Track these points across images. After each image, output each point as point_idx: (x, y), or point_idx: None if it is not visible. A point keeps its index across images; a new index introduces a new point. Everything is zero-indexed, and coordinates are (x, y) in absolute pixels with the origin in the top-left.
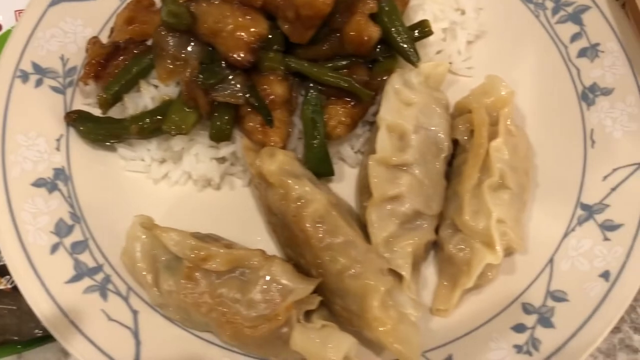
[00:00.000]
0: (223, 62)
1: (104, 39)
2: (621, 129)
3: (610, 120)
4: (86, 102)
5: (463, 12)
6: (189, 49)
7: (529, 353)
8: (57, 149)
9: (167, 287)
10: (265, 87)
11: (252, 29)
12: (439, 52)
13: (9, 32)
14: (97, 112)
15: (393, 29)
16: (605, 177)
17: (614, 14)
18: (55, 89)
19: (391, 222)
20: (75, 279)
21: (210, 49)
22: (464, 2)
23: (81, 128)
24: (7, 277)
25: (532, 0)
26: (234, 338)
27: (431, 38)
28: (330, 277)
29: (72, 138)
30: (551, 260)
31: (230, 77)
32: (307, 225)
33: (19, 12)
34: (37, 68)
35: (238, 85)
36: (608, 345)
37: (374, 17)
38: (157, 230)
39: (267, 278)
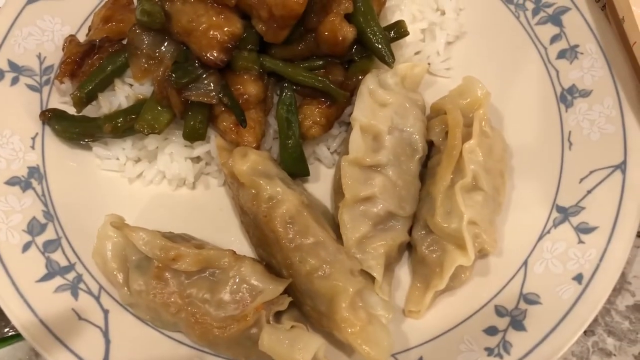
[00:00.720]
0: (197, 61)
1: (82, 37)
2: (599, 131)
3: (588, 123)
4: (63, 100)
5: (443, 13)
6: (164, 48)
7: (499, 356)
8: (32, 147)
9: (137, 287)
10: (239, 86)
11: (226, 28)
12: (417, 52)
13: None
14: (73, 110)
15: (368, 30)
16: (581, 180)
17: (594, 16)
18: (31, 87)
19: (364, 223)
20: (47, 277)
21: (184, 48)
22: (444, 3)
23: (56, 127)
24: None
25: (513, 1)
26: (203, 338)
27: (409, 39)
28: (300, 278)
29: (47, 136)
30: (525, 263)
31: (204, 76)
32: (278, 225)
33: None
34: (13, 66)
35: (211, 85)
36: (582, 349)
37: (349, 17)
38: (126, 229)
39: (237, 278)
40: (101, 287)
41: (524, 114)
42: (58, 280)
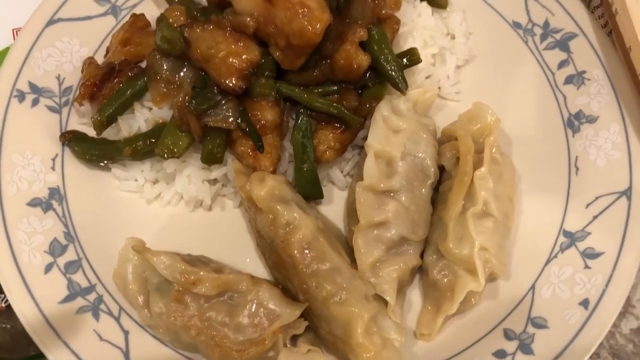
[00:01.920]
0: (215, 88)
1: (100, 58)
2: (605, 157)
3: (595, 148)
4: (81, 121)
5: (453, 37)
6: (182, 73)
7: None
8: (52, 168)
9: (157, 309)
10: (256, 112)
11: (244, 56)
12: (428, 77)
13: (6, 50)
14: (92, 131)
15: (382, 57)
16: (588, 205)
17: (600, 42)
18: (51, 109)
19: (377, 247)
20: (69, 298)
21: (203, 73)
22: (454, 27)
23: (76, 148)
24: (1, 296)
25: (522, 26)
26: None
27: (421, 64)
28: (316, 303)
29: (67, 157)
30: (533, 287)
31: (223, 102)
32: (295, 251)
33: (16, 31)
34: (34, 87)
35: (230, 111)
36: None
37: (363, 45)
38: (147, 253)
39: (255, 302)
40: (121, 308)
41: (531, 138)
42: (80, 302)
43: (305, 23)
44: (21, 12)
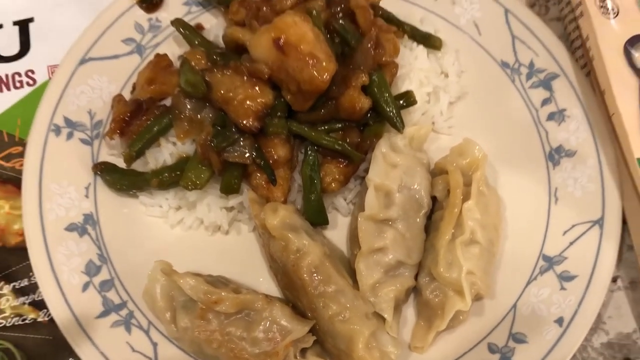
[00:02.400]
0: (234, 127)
1: (127, 93)
2: (581, 188)
3: (572, 180)
4: (111, 152)
5: (446, 76)
6: (204, 112)
7: None
8: (86, 196)
9: (183, 324)
10: (270, 149)
11: (260, 99)
12: (423, 113)
13: (43, 85)
14: (120, 161)
15: (382, 100)
16: (565, 232)
17: (579, 83)
18: (83, 141)
19: (377, 270)
20: (104, 314)
21: (222, 113)
22: (447, 67)
23: (107, 178)
24: (44, 310)
25: (509, 66)
26: None
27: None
28: (323, 321)
29: (99, 186)
30: (514, 306)
31: (240, 140)
32: (304, 274)
33: (51, 67)
34: (68, 122)
35: (246, 147)
36: None
37: (365, 89)
38: (175, 276)
39: (269, 319)
40: (150, 323)
41: (516, 169)
42: (113, 317)
43: (314, 72)
44: (55, 50)
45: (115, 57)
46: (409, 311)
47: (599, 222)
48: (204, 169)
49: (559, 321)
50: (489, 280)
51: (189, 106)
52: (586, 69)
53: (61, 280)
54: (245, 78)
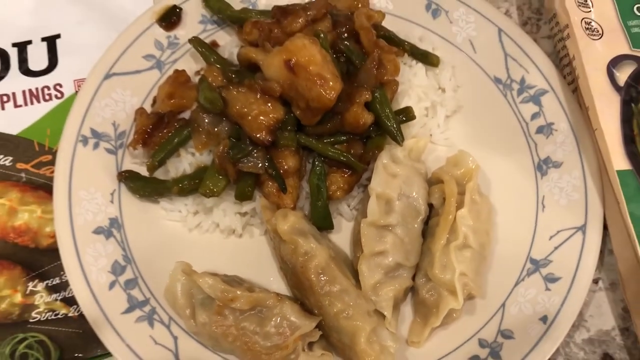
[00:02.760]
0: (248, 140)
1: (147, 106)
2: (566, 197)
3: (558, 189)
4: (134, 161)
5: (443, 91)
6: (220, 126)
7: None
8: (112, 201)
9: (201, 320)
10: (281, 160)
11: (272, 115)
12: (422, 126)
13: (70, 98)
14: (142, 169)
15: (383, 115)
16: (551, 237)
17: (566, 99)
18: (108, 151)
19: (378, 272)
20: (129, 310)
21: (237, 126)
22: (444, 82)
23: (131, 185)
24: (75, 306)
25: (502, 82)
26: None
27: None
28: (328, 317)
29: (123, 192)
30: (503, 305)
31: (254, 151)
32: (312, 275)
33: (77, 81)
34: (95, 133)
35: (259, 159)
36: None
37: (368, 105)
38: (194, 275)
39: (280, 316)
40: (171, 318)
41: (507, 178)
42: (137, 313)
43: (322, 91)
44: (80, 64)
45: (137, 72)
46: (407, 309)
47: (582, 228)
48: (220, 178)
49: (544, 319)
50: (480, 281)
51: (206, 120)
52: (573, 85)
53: (90, 279)
54: (258, 95)
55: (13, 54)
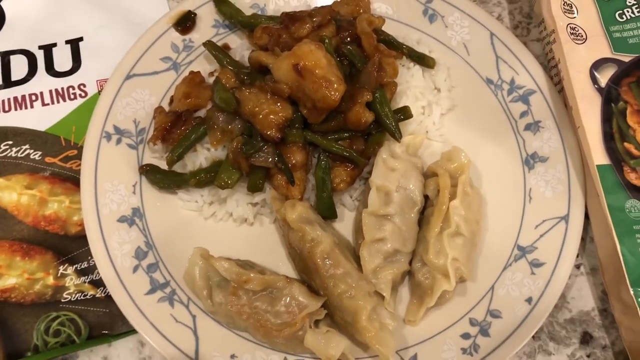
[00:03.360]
0: (259, 136)
1: (165, 104)
2: (552, 189)
3: (544, 182)
4: (153, 155)
5: (439, 90)
6: (234, 124)
7: (470, 354)
8: (134, 192)
9: (218, 300)
10: (289, 155)
11: (281, 114)
12: (418, 124)
13: (93, 97)
14: (161, 163)
15: (383, 114)
16: (536, 226)
17: (553, 99)
18: (130, 146)
19: (377, 257)
20: (151, 291)
21: (249, 124)
22: (440, 83)
23: (151, 177)
24: (102, 288)
25: (493, 82)
26: (265, 337)
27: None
28: (332, 297)
29: (144, 184)
30: (492, 287)
31: (264, 147)
32: (317, 260)
33: (99, 81)
34: (117, 130)
35: (270, 154)
36: (530, 349)
37: (369, 105)
38: (212, 259)
39: (289, 296)
40: (189, 299)
41: (497, 172)
42: (159, 294)
43: (327, 93)
44: (102, 65)
45: (155, 73)
46: (404, 291)
47: (565, 218)
48: (234, 172)
49: (529, 300)
50: (471, 266)
51: (221, 119)
52: (559, 86)
53: (115, 263)
54: (268, 95)
55: (40, 56)
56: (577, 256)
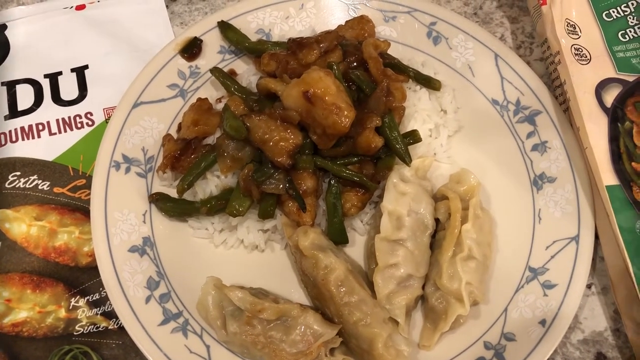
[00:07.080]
0: (270, 163)
1: (173, 131)
2: (561, 210)
3: (553, 203)
4: (162, 184)
5: (445, 112)
6: (244, 151)
7: None
8: (144, 221)
9: (232, 330)
10: (300, 181)
11: (291, 140)
12: (427, 146)
13: (100, 126)
14: (171, 191)
15: (392, 138)
16: (547, 247)
17: (559, 119)
18: (139, 174)
19: (391, 282)
20: (164, 322)
21: (260, 151)
22: (446, 105)
23: (161, 206)
24: (114, 319)
25: (499, 103)
26: None
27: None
28: (348, 325)
29: (154, 213)
30: (505, 310)
31: (275, 174)
32: (332, 287)
33: (106, 110)
34: (126, 158)
35: (281, 180)
36: None
37: (378, 129)
38: (225, 289)
39: (304, 325)
40: (203, 329)
41: (506, 193)
42: (172, 324)
43: (337, 119)
44: (108, 93)
45: (162, 100)
46: (418, 316)
47: (575, 238)
48: (245, 199)
49: (542, 322)
50: (484, 289)
51: (231, 146)
52: (565, 105)
53: (127, 294)
54: (278, 122)
55: (45, 84)
56: (588, 276)
